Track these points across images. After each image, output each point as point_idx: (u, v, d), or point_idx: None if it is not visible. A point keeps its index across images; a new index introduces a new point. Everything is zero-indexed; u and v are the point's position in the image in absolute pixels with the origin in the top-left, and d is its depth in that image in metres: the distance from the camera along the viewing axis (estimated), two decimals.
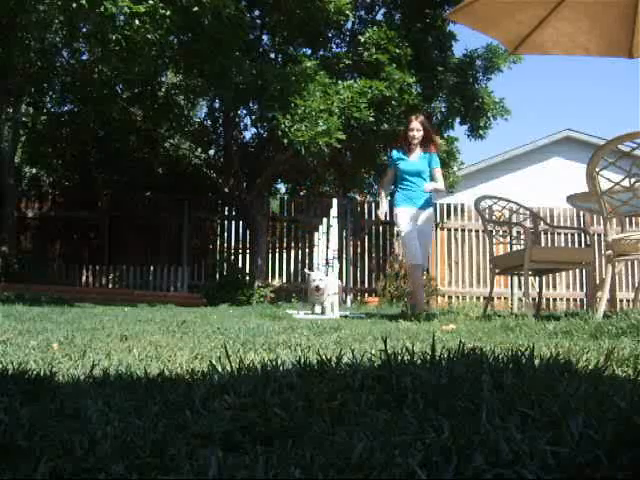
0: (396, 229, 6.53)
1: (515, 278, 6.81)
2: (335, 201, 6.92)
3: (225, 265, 11.20)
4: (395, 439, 0.78)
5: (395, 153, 5.64)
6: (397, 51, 9.11)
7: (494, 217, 5.71)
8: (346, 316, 5.80)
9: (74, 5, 6.35)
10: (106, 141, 10.82)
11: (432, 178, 5.54)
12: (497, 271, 5.51)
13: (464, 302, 10.51)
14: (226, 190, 11.03)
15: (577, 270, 10.32)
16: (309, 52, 10.03)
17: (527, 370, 1.18)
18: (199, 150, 12.01)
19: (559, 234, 10.98)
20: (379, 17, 10.64)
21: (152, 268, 10.76)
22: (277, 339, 2.44)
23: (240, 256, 11.27)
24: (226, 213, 11.42)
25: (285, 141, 8.28)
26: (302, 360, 1.27)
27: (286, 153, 9.33)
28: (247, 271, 10.75)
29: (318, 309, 6.17)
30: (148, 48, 7.27)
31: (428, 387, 1.03)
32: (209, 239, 11.65)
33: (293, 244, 11.12)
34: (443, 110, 10.60)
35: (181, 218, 11.06)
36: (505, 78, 57.60)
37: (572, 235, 11.11)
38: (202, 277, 11.06)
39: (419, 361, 1.25)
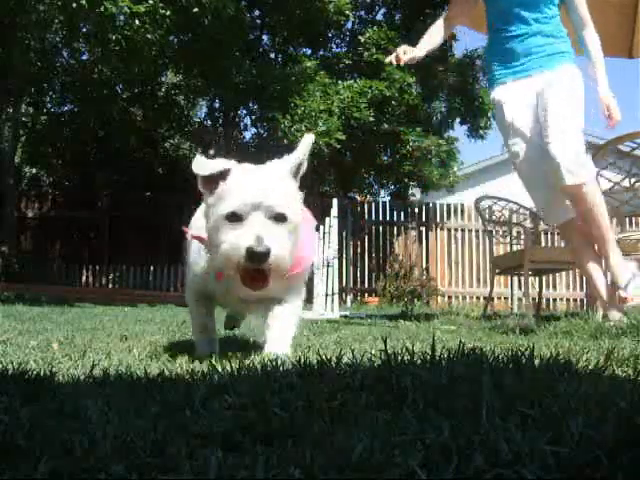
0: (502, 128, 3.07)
1: (515, 278, 6.80)
2: (335, 201, 6.92)
3: None
4: (395, 439, 0.78)
5: None
6: None
7: (494, 217, 5.70)
8: (346, 316, 5.80)
9: (74, 5, 6.36)
10: (106, 141, 10.83)
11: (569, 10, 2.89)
12: (497, 271, 5.51)
13: (464, 302, 10.51)
14: None
15: (577, 270, 10.30)
16: (309, 52, 10.04)
17: (527, 370, 1.18)
18: (199, 150, 12.02)
19: (559, 234, 10.96)
20: (379, 17, 10.67)
21: (152, 268, 10.76)
22: None
23: None
24: None
25: (285, 141, 8.28)
26: (302, 360, 1.27)
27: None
28: None
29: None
30: (148, 48, 7.28)
31: (428, 387, 1.03)
32: None
33: None
34: (443, 110, 10.61)
35: (181, 218, 11.05)
36: None
37: None
38: None
39: (419, 361, 1.24)
